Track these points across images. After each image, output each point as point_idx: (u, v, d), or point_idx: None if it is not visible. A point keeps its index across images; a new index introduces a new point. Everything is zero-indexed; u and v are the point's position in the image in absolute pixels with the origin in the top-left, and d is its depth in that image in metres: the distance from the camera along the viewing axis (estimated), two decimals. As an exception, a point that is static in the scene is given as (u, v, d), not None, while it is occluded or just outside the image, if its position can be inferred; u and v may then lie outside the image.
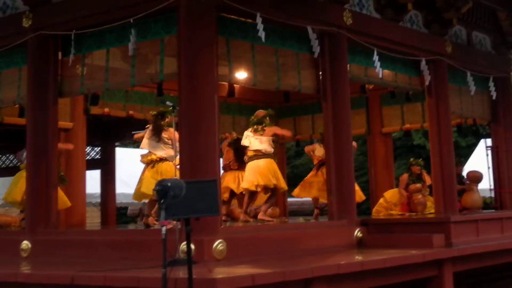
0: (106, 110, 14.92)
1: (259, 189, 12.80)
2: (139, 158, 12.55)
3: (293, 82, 11.56)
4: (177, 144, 11.52)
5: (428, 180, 15.51)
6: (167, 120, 12.17)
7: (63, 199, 13.00)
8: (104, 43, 10.89)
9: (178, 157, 10.70)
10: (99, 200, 18.94)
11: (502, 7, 15.40)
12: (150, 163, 12.12)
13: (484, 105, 16.02)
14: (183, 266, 7.08)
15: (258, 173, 12.53)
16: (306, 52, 11.59)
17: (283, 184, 12.93)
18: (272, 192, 12.86)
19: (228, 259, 9.03)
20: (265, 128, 12.82)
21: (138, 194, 12.25)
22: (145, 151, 12.31)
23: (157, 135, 12.18)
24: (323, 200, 14.13)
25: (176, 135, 11.45)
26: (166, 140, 12.10)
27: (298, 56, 11.54)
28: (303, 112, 17.82)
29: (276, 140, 13.34)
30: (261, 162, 12.59)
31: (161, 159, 12.09)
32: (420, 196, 15.06)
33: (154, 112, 12.46)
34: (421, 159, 16.32)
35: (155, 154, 12.08)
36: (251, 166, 12.75)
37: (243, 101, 17.13)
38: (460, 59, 14.51)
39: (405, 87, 14.30)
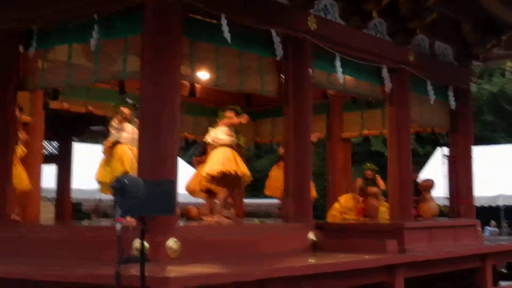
0: (66, 105, 14.81)
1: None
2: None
3: (256, 85, 11.59)
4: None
5: (382, 184, 15.64)
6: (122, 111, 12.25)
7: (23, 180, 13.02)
8: (67, 39, 10.84)
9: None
10: (54, 195, 18.79)
11: (466, 19, 15.55)
12: (106, 152, 12.21)
13: (443, 115, 16.16)
14: (136, 263, 7.07)
15: (208, 162, 12.60)
16: (270, 56, 11.61)
17: (241, 171, 12.58)
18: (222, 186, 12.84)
19: (182, 258, 9.02)
20: (218, 121, 12.89)
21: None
22: None
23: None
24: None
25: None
26: (117, 126, 12.18)
27: (261, 60, 11.57)
28: (264, 116, 17.83)
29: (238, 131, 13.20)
30: (216, 151, 12.65)
31: (114, 144, 12.13)
32: (374, 200, 15.17)
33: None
34: (371, 164, 16.42)
35: (107, 141, 12.19)
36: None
37: (205, 102, 17.10)
38: (422, 68, 14.61)
39: (366, 94, 14.40)
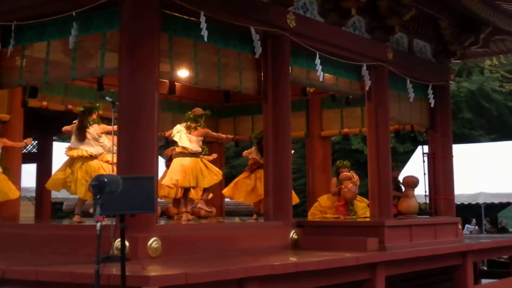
0: (45, 103, 14.73)
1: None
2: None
3: (234, 82, 11.57)
4: (108, 142, 11.59)
5: (356, 178, 15.64)
6: (94, 116, 12.06)
7: (11, 189, 12.97)
8: (45, 36, 10.77)
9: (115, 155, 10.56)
10: (34, 194, 18.69)
11: (444, 16, 15.60)
12: (79, 159, 11.89)
13: (422, 112, 16.23)
14: (116, 262, 7.03)
15: (181, 172, 12.64)
16: (249, 53, 11.61)
17: (209, 182, 12.93)
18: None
19: (163, 257, 9.00)
20: (198, 127, 12.86)
21: (54, 184, 12.17)
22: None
23: (81, 131, 11.93)
24: (249, 203, 14.33)
25: (107, 128, 11.64)
26: (97, 136, 11.95)
27: (240, 57, 11.56)
28: (243, 113, 17.81)
29: (215, 140, 13.38)
30: (186, 161, 12.70)
31: (91, 156, 11.89)
32: (350, 184, 15.09)
33: (81, 108, 12.28)
34: (342, 161, 16.41)
35: (86, 151, 11.86)
36: (175, 163, 12.88)
37: (184, 99, 17.06)
38: (401, 65, 14.67)
39: (345, 91, 14.43)
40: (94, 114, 12.07)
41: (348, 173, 15.42)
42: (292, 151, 15.52)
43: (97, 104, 12.09)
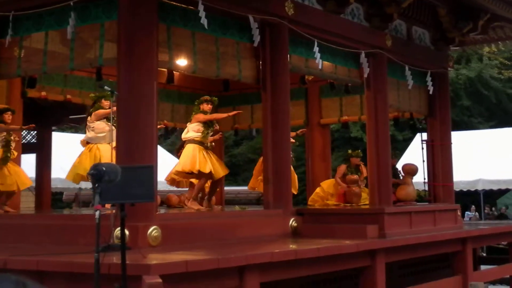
0: (44, 93, 14.75)
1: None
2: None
3: (233, 71, 11.57)
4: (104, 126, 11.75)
5: (365, 172, 15.66)
6: (104, 104, 12.37)
7: (23, 179, 13.10)
8: (43, 26, 10.76)
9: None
10: (34, 184, 18.70)
11: (442, 3, 15.58)
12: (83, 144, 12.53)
13: (421, 100, 16.23)
14: (117, 251, 7.05)
15: (179, 162, 12.76)
16: (247, 42, 11.60)
17: (202, 168, 12.53)
18: (198, 177, 12.90)
19: (163, 245, 9.01)
20: (193, 115, 12.94)
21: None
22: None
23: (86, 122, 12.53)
24: None
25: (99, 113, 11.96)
26: (88, 123, 12.32)
27: (238, 45, 11.55)
28: (242, 102, 17.80)
29: (216, 128, 13.30)
30: (185, 150, 12.76)
31: (87, 143, 12.37)
32: (356, 187, 15.19)
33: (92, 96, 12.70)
34: (357, 151, 16.45)
35: (81, 140, 12.51)
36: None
37: (182, 89, 17.09)
38: (399, 53, 14.65)
39: (344, 79, 14.42)
40: (106, 102, 12.28)
41: (355, 177, 15.46)
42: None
43: (108, 93, 12.15)
